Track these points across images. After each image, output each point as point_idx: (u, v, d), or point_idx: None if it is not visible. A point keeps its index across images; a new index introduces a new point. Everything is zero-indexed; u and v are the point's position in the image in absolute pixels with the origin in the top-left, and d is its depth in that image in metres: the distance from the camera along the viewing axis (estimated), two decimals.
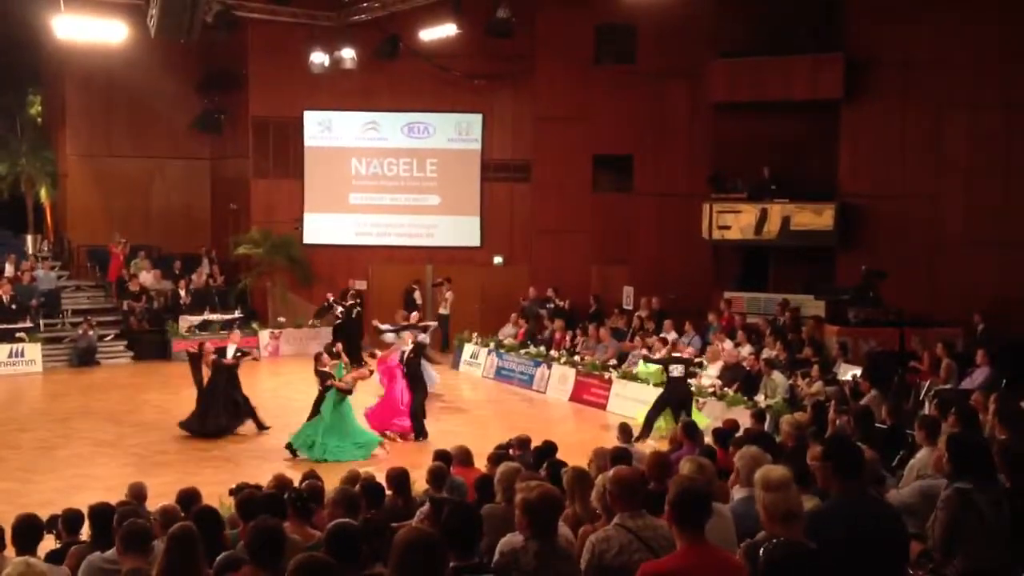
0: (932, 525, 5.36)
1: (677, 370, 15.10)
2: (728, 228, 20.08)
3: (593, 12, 22.08)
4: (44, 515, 7.19)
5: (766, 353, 16.56)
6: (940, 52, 18.54)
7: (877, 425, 9.87)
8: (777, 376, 15.30)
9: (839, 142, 19.76)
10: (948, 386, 13.64)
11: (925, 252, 18.88)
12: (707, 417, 14.34)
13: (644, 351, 17.41)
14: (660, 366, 15.81)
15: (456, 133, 23.84)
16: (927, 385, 14.01)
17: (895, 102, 19.04)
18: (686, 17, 20.17)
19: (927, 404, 12.69)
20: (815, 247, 19.70)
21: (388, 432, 14.99)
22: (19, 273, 22.45)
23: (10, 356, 20.53)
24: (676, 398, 14.90)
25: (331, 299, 21.56)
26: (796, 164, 19.96)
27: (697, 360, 16.17)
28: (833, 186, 19.69)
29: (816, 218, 19.39)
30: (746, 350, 17.13)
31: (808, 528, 4.33)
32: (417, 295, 23.23)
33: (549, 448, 9.36)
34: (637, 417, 14.92)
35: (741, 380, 15.91)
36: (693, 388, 16.03)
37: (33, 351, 20.85)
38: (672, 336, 18.09)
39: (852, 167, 19.61)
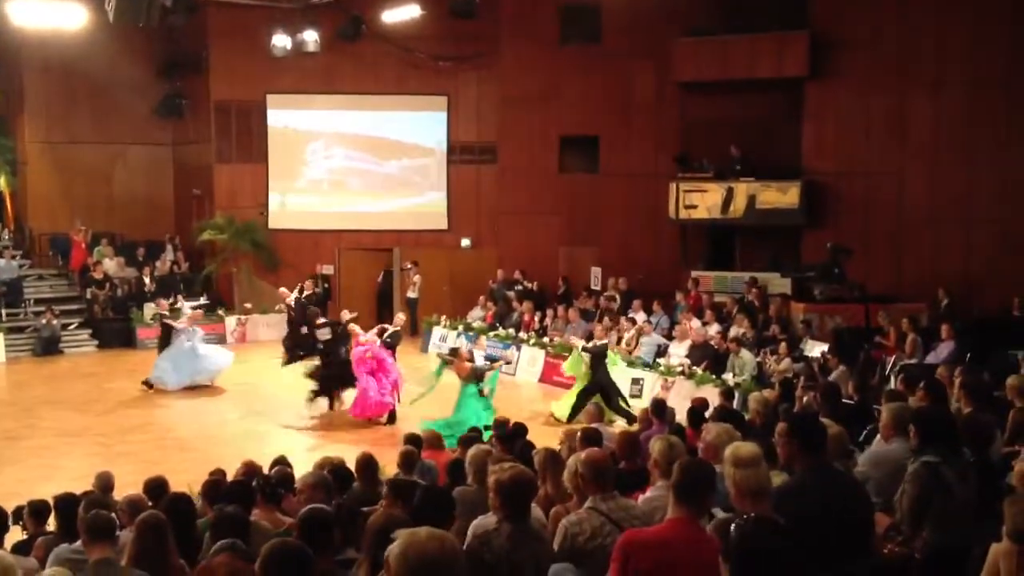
0: (900, 499, 5.41)
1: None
2: (694, 207, 20.13)
3: None
4: (10, 506, 7.12)
5: (734, 331, 16.65)
6: (905, 31, 18.64)
7: (844, 400, 9.96)
8: (745, 354, 15.41)
9: (804, 121, 19.85)
10: (913, 361, 13.80)
11: (890, 229, 19.02)
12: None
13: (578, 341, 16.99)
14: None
15: (421, 115, 23.68)
16: (893, 360, 14.16)
17: (860, 80, 19.11)
18: None
19: (893, 379, 12.85)
20: (781, 225, 19.80)
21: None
22: None
23: None
24: (605, 381, 15.05)
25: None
26: (762, 143, 20.03)
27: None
28: (798, 164, 19.78)
29: (781, 196, 19.48)
30: (714, 329, 17.22)
31: (774, 504, 4.36)
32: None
33: (519, 430, 9.38)
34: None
35: (709, 359, 15.97)
36: (662, 367, 16.19)
37: None
38: (640, 316, 18.15)
39: (817, 145, 19.71)
